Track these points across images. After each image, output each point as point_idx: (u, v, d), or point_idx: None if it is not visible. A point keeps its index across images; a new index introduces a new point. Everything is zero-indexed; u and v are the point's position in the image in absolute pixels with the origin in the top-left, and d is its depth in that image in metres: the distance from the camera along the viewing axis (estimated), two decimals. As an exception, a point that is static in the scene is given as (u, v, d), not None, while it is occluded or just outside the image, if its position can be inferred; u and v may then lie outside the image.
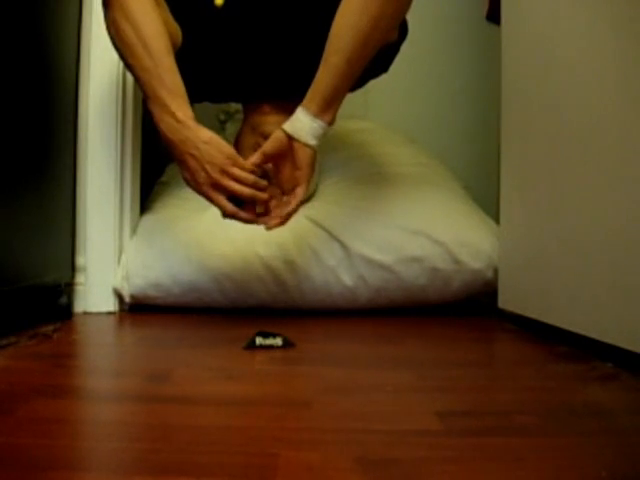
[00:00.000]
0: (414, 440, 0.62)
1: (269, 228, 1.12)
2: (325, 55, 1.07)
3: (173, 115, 1.06)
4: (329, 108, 1.08)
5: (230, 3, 1.20)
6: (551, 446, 0.61)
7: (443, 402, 0.76)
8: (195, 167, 1.07)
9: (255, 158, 1.09)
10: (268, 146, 1.09)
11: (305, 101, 1.08)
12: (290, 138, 1.08)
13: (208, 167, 1.06)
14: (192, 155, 1.06)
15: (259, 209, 1.13)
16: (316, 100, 1.07)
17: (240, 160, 1.07)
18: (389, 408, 0.74)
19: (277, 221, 1.11)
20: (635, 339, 0.87)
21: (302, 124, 1.08)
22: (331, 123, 1.10)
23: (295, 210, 1.12)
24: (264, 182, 1.09)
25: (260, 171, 1.11)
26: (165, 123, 1.07)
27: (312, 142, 1.08)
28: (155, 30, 1.07)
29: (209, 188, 1.08)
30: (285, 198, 1.13)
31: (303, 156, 1.09)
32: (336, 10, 1.17)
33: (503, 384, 0.87)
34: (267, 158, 1.10)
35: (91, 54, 1.34)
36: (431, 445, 0.61)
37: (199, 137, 1.06)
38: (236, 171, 1.06)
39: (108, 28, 1.10)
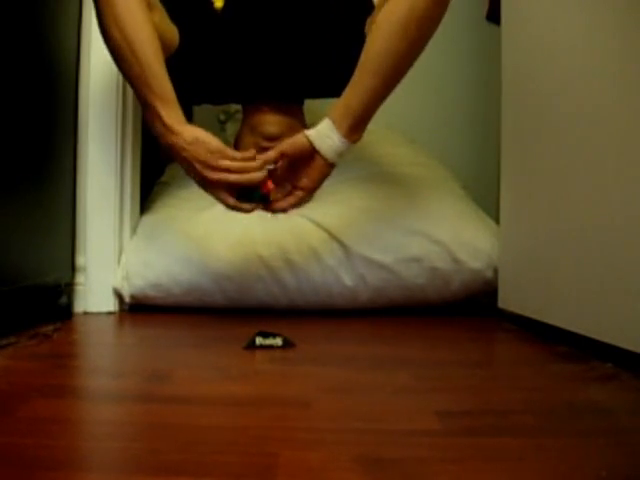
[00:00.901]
0: (414, 440, 0.62)
1: (269, 210, 1.14)
2: (359, 74, 1.06)
3: (161, 120, 1.07)
4: (359, 128, 1.09)
5: (230, 6, 1.21)
6: (551, 446, 0.61)
7: (443, 402, 0.76)
8: (188, 168, 1.09)
9: (272, 153, 1.10)
10: (288, 148, 1.09)
11: (336, 117, 1.08)
12: (314, 149, 1.08)
13: (198, 166, 1.07)
14: (183, 157, 1.08)
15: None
16: (348, 120, 1.07)
17: (228, 151, 1.07)
18: (389, 408, 0.74)
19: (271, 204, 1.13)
20: (635, 339, 0.87)
21: (331, 141, 1.07)
22: (357, 141, 1.10)
23: (288, 206, 1.13)
24: (254, 165, 1.07)
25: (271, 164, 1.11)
26: (156, 128, 1.08)
27: (334, 159, 1.09)
28: (144, 36, 1.06)
29: (206, 185, 1.09)
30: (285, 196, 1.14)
31: (320, 170, 1.09)
32: (335, 12, 1.17)
33: (503, 384, 0.87)
34: (284, 158, 1.10)
35: (91, 54, 1.34)
36: (431, 445, 0.61)
37: (184, 139, 1.07)
38: (223, 162, 1.06)
39: (101, 34, 1.11)
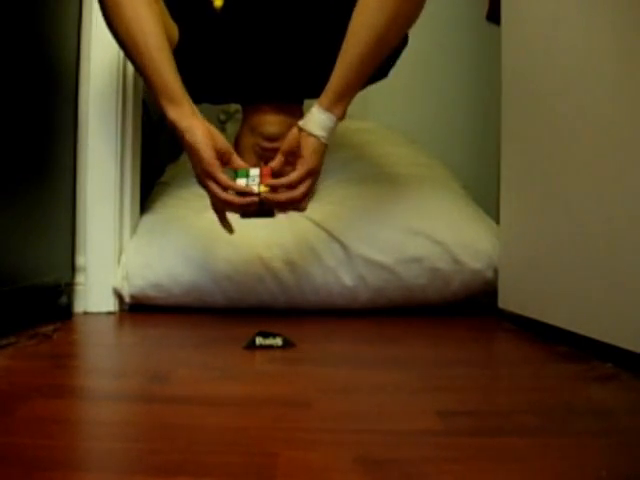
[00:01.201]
0: (414, 440, 0.62)
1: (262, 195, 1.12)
2: (341, 51, 1.08)
3: (165, 114, 1.08)
4: (339, 102, 1.09)
5: (229, 5, 1.21)
6: (551, 446, 0.61)
7: (443, 402, 0.76)
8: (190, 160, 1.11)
9: (276, 162, 1.11)
10: (285, 145, 1.11)
11: (320, 97, 1.10)
12: (300, 130, 1.09)
13: (193, 168, 1.10)
14: (186, 152, 1.11)
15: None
16: (327, 94, 1.09)
17: (217, 176, 1.07)
18: (389, 408, 0.74)
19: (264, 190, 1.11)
20: (635, 339, 0.87)
21: (312, 116, 1.09)
22: (341, 118, 1.10)
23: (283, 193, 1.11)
24: (236, 200, 1.08)
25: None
26: (166, 121, 1.09)
27: (318, 132, 1.09)
28: (147, 28, 1.07)
29: (201, 183, 1.11)
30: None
31: (306, 144, 1.09)
32: (335, 12, 1.17)
33: (503, 384, 0.87)
34: (286, 156, 1.11)
35: (91, 54, 1.34)
36: (431, 445, 0.61)
37: (185, 140, 1.07)
38: (211, 185, 1.08)
39: (107, 27, 1.11)
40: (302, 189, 1.10)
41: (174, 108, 1.07)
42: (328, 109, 1.09)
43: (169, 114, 1.07)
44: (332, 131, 1.10)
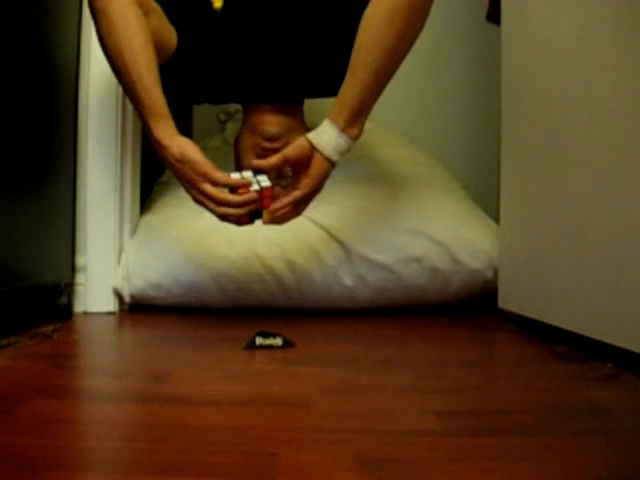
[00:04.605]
0: (414, 440, 0.62)
1: (264, 222, 1.11)
2: (351, 68, 1.06)
3: (151, 134, 1.06)
4: (356, 122, 1.07)
5: (229, 6, 1.21)
6: (551, 446, 0.61)
7: (443, 402, 0.76)
8: (179, 180, 1.08)
9: (275, 159, 1.08)
10: (290, 152, 1.08)
11: (332, 114, 1.07)
12: (314, 148, 1.07)
13: (185, 184, 1.07)
14: (173, 170, 1.07)
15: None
16: (343, 114, 1.06)
17: (214, 174, 1.04)
18: (389, 408, 0.74)
19: (267, 217, 1.09)
20: (635, 339, 0.87)
21: (329, 137, 1.06)
22: (357, 137, 1.09)
23: (285, 210, 1.09)
24: (235, 198, 1.05)
25: (274, 173, 1.10)
26: (150, 138, 1.07)
27: (334, 158, 1.07)
28: (137, 46, 1.05)
29: (196, 197, 1.07)
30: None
31: (319, 168, 1.07)
32: (336, 12, 1.17)
33: (503, 384, 0.87)
34: (287, 162, 1.08)
35: (91, 54, 1.34)
36: (431, 445, 0.61)
37: (173, 155, 1.05)
38: (208, 188, 1.04)
39: (99, 42, 1.10)
40: (300, 209, 1.11)
41: (161, 125, 1.05)
42: (345, 131, 1.06)
43: (154, 131, 1.05)
44: (346, 154, 1.09)
